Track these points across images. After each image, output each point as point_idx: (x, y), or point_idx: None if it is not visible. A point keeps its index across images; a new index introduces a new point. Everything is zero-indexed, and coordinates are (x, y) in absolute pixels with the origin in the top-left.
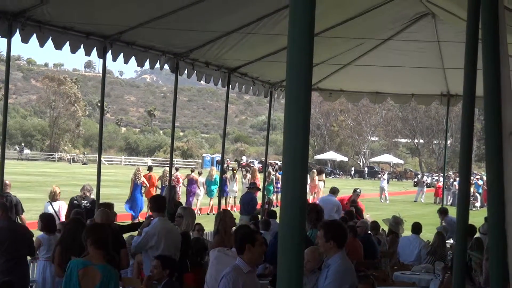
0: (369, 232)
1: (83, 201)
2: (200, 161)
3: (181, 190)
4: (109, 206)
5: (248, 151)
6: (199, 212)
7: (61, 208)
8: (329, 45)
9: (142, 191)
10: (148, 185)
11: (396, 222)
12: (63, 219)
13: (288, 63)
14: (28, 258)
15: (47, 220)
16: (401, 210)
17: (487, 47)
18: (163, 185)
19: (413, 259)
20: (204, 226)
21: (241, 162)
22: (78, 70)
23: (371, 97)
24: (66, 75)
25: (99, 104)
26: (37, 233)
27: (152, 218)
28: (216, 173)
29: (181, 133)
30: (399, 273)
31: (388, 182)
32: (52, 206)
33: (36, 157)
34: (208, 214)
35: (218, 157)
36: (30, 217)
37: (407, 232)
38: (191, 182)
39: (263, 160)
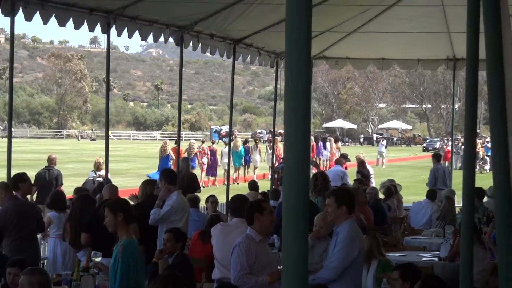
0: (379, 198)
1: (97, 177)
2: (209, 133)
3: (206, 162)
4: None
5: (256, 122)
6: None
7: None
8: (333, 13)
9: (170, 163)
10: (175, 158)
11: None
12: None
13: (287, 33)
14: (39, 236)
15: (56, 197)
16: (410, 175)
17: (488, 8)
18: (190, 157)
19: (424, 224)
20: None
21: (221, 132)
22: (83, 46)
23: (378, 64)
24: (73, 52)
25: (105, 80)
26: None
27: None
28: (240, 144)
29: (189, 106)
30: (409, 238)
31: (386, 147)
32: (96, 174)
33: (44, 134)
34: (233, 183)
35: (226, 128)
36: None
37: (418, 197)
38: (212, 153)
39: (271, 130)
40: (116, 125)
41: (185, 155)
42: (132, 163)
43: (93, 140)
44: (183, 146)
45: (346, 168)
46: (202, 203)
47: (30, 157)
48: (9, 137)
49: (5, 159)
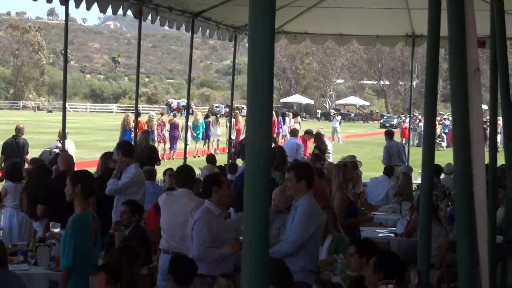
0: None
1: (54, 149)
2: (166, 106)
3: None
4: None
5: (214, 96)
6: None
7: (68, 146)
8: None
9: (132, 136)
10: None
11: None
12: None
13: (251, 6)
14: None
15: (12, 168)
16: (368, 151)
17: None
18: (150, 129)
19: (381, 200)
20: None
21: (172, 105)
22: (41, 18)
23: (336, 39)
24: (30, 24)
25: (63, 52)
26: None
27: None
28: (201, 118)
29: (146, 79)
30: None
31: (340, 123)
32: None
33: (0, 105)
34: (194, 157)
35: (183, 102)
36: None
37: (375, 173)
38: (173, 126)
39: (229, 105)
40: (73, 97)
41: (145, 127)
42: (88, 135)
43: (50, 111)
44: (143, 119)
45: (304, 142)
46: (161, 176)
47: None
48: None
49: None
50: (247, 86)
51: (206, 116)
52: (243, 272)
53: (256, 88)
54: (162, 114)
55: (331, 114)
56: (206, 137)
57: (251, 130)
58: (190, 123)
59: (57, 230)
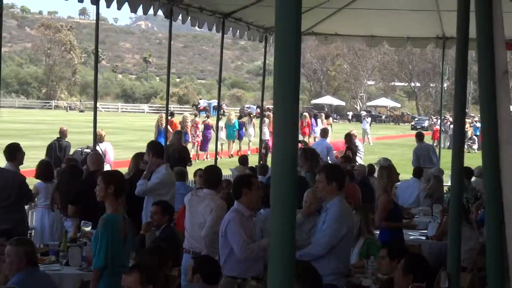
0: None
1: (86, 149)
2: (192, 107)
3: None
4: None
5: (245, 97)
6: (221, 156)
7: (106, 148)
8: None
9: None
10: (171, 131)
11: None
12: (111, 158)
13: (276, 8)
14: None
15: (44, 167)
16: (398, 153)
17: None
18: (184, 130)
19: (412, 202)
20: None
21: (199, 106)
22: (72, 17)
23: (367, 41)
24: (62, 23)
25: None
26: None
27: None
28: (234, 118)
29: (177, 80)
30: None
31: (370, 125)
32: (99, 146)
33: (32, 105)
34: (229, 157)
35: (214, 102)
36: (27, 165)
37: (406, 175)
38: (206, 127)
39: (260, 105)
40: (104, 97)
41: (179, 128)
42: (120, 135)
43: (82, 111)
44: (177, 119)
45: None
46: (192, 177)
47: (18, 127)
48: None
49: None
50: (274, 88)
51: (240, 117)
52: (269, 273)
53: (282, 90)
54: (195, 115)
55: (363, 115)
56: (239, 138)
57: (277, 131)
58: (223, 124)
59: (88, 229)
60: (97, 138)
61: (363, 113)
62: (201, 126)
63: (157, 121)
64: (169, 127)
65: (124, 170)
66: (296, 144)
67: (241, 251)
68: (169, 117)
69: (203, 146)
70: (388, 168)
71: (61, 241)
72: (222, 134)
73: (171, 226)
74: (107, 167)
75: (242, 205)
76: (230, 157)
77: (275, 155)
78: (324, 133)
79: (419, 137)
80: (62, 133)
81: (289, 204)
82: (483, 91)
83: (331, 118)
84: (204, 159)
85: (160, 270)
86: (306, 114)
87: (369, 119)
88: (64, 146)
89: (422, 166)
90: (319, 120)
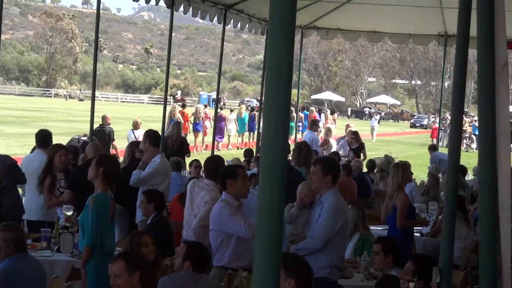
0: (363, 171)
1: (83, 137)
2: (197, 99)
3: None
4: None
5: (245, 90)
6: (230, 148)
7: (140, 136)
8: None
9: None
10: (182, 121)
11: (387, 161)
12: None
13: (271, 1)
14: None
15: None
16: (395, 150)
17: None
18: (196, 121)
19: None
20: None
21: (176, 96)
22: (75, 6)
23: (369, 36)
24: (64, 11)
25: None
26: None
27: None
28: (245, 111)
29: (178, 71)
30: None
31: (378, 122)
32: (133, 133)
33: (32, 92)
34: (237, 149)
35: (214, 95)
36: (25, 152)
37: None
38: (219, 119)
39: (260, 99)
40: (104, 86)
41: (191, 119)
42: (119, 125)
43: (81, 100)
44: (189, 110)
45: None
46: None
47: (17, 114)
48: None
49: None
50: (265, 81)
51: (252, 109)
52: (255, 265)
53: (273, 84)
54: (205, 106)
55: (369, 112)
56: (250, 130)
57: (267, 123)
58: (234, 116)
59: (69, 213)
60: (133, 125)
61: (366, 110)
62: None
63: (169, 111)
64: (180, 117)
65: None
66: (286, 137)
67: (246, 229)
68: (181, 108)
69: (215, 136)
70: (403, 166)
71: (53, 227)
72: (233, 126)
73: (161, 215)
74: None
75: (229, 195)
76: (238, 149)
77: (264, 147)
78: (313, 125)
79: (432, 148)
80: (105, 119)
81: (277, 195)
82: (482, 91)
83: (336, 114)
84: (216, 150)
85: (144, 256)
86: (312, 108)
87: (377, 117)
88: (108, 131)
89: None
90: (323, 115)
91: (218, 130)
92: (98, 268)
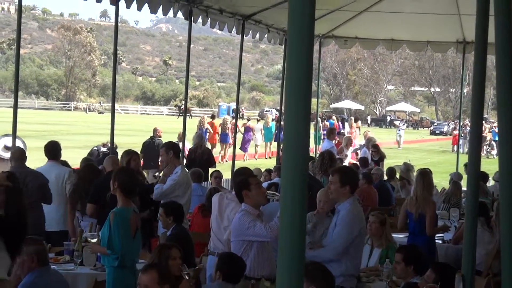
0: (385, 179)
1: (102, 148)
2: (216, 110)
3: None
4: (134, 154)
5: (264, 100)
6: (256, 158)
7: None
8: None
9: (207, 137)
10: (212, 132)
11: (407, 169)
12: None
13: (289, 11)
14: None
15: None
16: (417, 158)
17: None
18: (224, 132)
19: None
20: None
21: (181, 106)
22: (93, 19)
23: (387, 45)
24: (82, 25)
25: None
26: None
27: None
28: (271, 121)
29: (197, 82)
30: None
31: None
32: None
33: (52, 106)
34: (265, 158)
35: (234, 105)
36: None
37: None
38: (247, 130)
39: (278, 109)
40: (124, 99)
41: (219, 130)
42: (138, 137)
43: (101, 113)
44: (217, 121)
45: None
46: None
47: (37, 128)
48: (15, 108)
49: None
50: (285, 90)
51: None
52: (278, 273)
53: (293, 93)
54: (232, 117)
55: (388, 120)
56: (276, 140)
57: (288, 133)
58: (261, 126)
59: (94, 240)
60: (179, 138)
61: (388, 117)
62: (241, 129)
63: (199, 122)
64: (210, 128)
65: None
66: (307, 146)
67: (267, 232)
68: (210, 119)
69: (242, 147)
70: (427, 175)
71: (76, 240)
72: (259, 136)
73: (181, 226)
74: None
75: (248, 205)
76: (266, 159)
77: (285, 159)
78: (330, 134)
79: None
80: (155, 132)
81: (299, 204)
82: (501, 97)
83: (359, 122)
84: (243, 160)
85: (169, 268)
86: (334, 118)
87: (404, 126)
88: (157, 143)
89: None
90: (346, 124)
91: (245, 141)
92: (117, 281)
